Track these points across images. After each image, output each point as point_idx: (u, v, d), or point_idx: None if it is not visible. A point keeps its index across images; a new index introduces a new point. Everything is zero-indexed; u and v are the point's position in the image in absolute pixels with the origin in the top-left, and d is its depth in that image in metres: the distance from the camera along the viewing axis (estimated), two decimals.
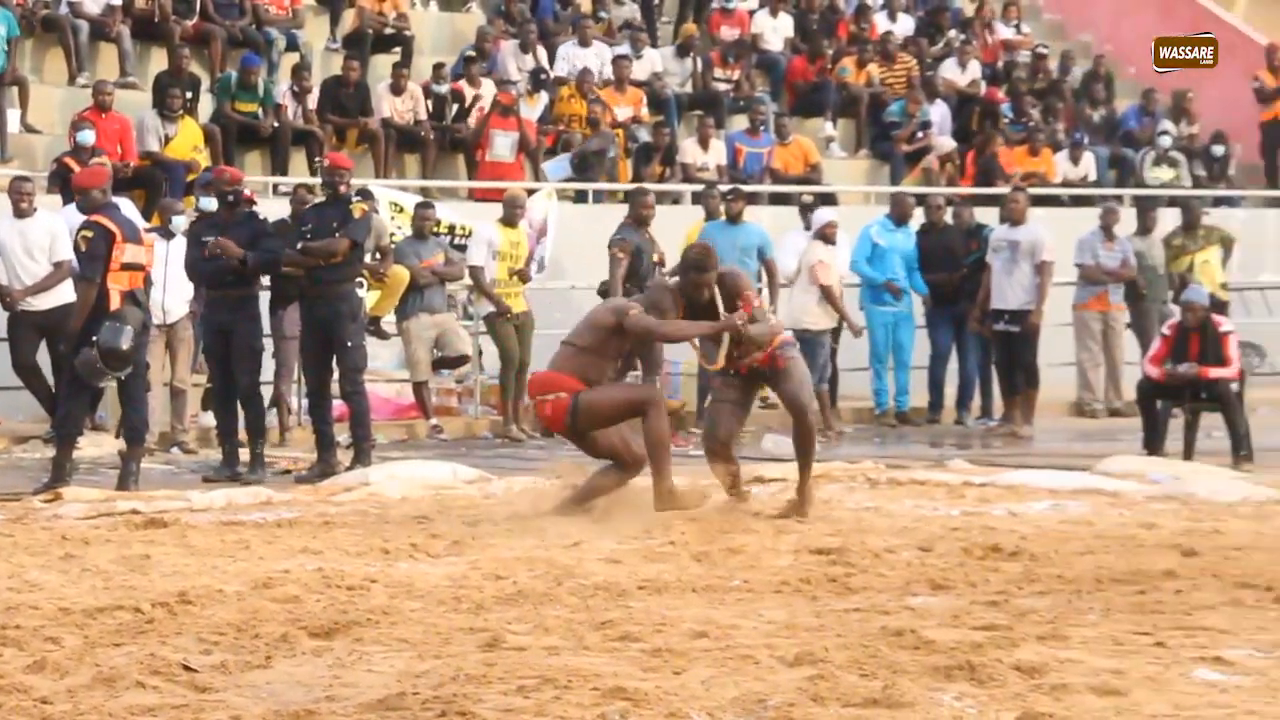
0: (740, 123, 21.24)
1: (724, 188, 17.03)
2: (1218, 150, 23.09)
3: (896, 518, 10.36)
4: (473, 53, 20.21)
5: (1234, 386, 13.65)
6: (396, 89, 19.45)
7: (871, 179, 21.83)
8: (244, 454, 13.01)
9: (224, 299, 13.11)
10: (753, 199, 18.78)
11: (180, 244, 14.12)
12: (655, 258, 15.91)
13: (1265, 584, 8.01)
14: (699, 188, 17.70)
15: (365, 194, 15.01)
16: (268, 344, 13.82)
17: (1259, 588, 7.96)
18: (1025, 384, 16.62)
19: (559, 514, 10.30)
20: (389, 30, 20.58)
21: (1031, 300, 16.46)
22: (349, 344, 13.09)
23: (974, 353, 17.27)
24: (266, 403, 13.97)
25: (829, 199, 19.43)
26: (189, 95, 17.93)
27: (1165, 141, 22.72)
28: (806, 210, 17.07)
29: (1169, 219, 19.37)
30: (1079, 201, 21.80)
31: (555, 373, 10.58)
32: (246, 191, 13.83)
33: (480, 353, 16.82)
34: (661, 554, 9.03)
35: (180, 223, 14.60)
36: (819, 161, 20.98)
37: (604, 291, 15.93)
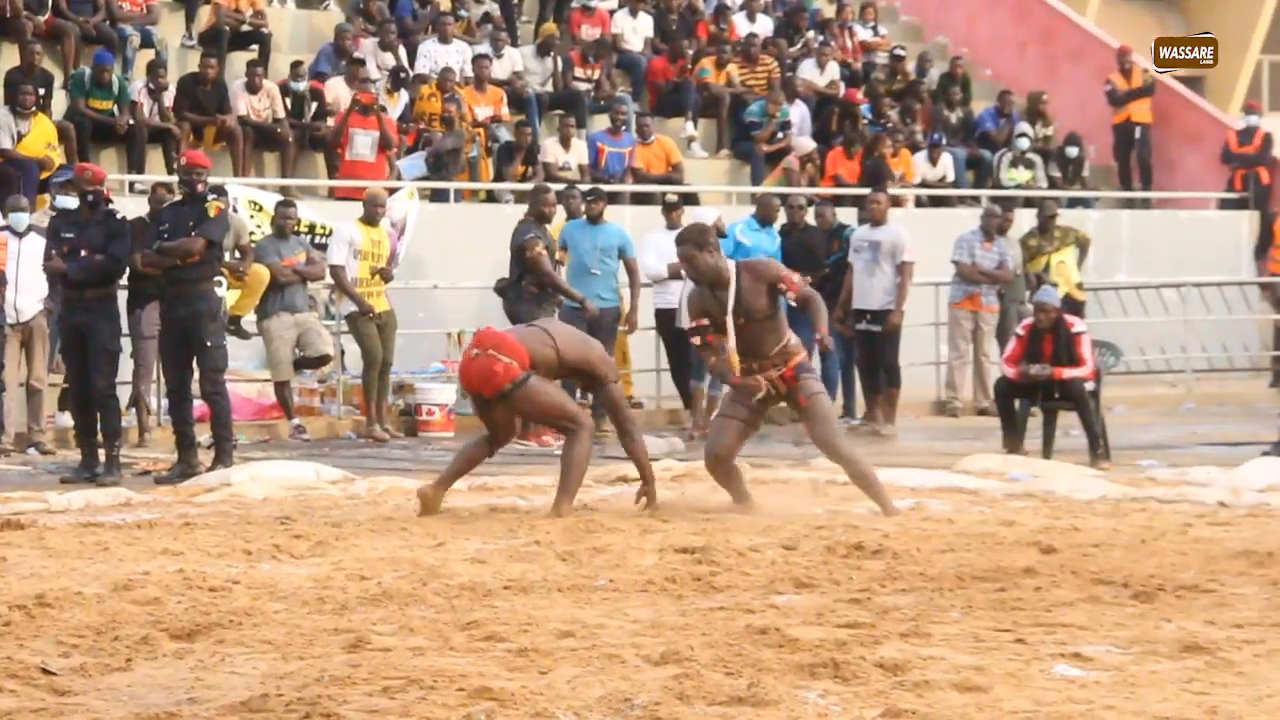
0: (601, 122, 21.25)
1: (584, 188, 17.03)
2: (1072, 152, 23.38)
3: (761, 516, 10.38)
4: (360, 56, 20.08)
5: (1089, 386, 13.81)
6: (252, 87, 19.29)
7: (732, 179, 21.94)
8: (103, 455, 12.87)
9: (80, 299, 12.94)
10: (615, 199, 18.81)
11: (33, 241, 13.91)
12: (556, 255, 15.90)
13: (1122, 580, 8.10)
14: (560, 187, 17.69)
15: (220, 191, 14.89)
16: (126, 344, 13.66)
17: (1116, 584, 8.04)
18: (887, 383, 16.77)
19: (432, 493, 10.41)
20: (246, 27, 20.41)
21: (893, 300, 16.60)
22: (209, 343, 12.96)
23: (836, 352, 17.36)
24: (125, 403, 13.81)
25: (691, 199, 19.48)
26: (42, 92, 17.70)
27: (1023, 143, 22.98)
28: (670, 210, 17.10)
29: (1025, 220, 19.59)
30: (937, 203, 22.02)
31: (518, 341, 10.37)
32: (105, 190, 13.68)
33: (342, 352, 16.74)
34: (527, 554, 9.02)
35: (20, 220, 14.40)
36: (680, 161, 21.04)
37: (501, 289, 15.81)
